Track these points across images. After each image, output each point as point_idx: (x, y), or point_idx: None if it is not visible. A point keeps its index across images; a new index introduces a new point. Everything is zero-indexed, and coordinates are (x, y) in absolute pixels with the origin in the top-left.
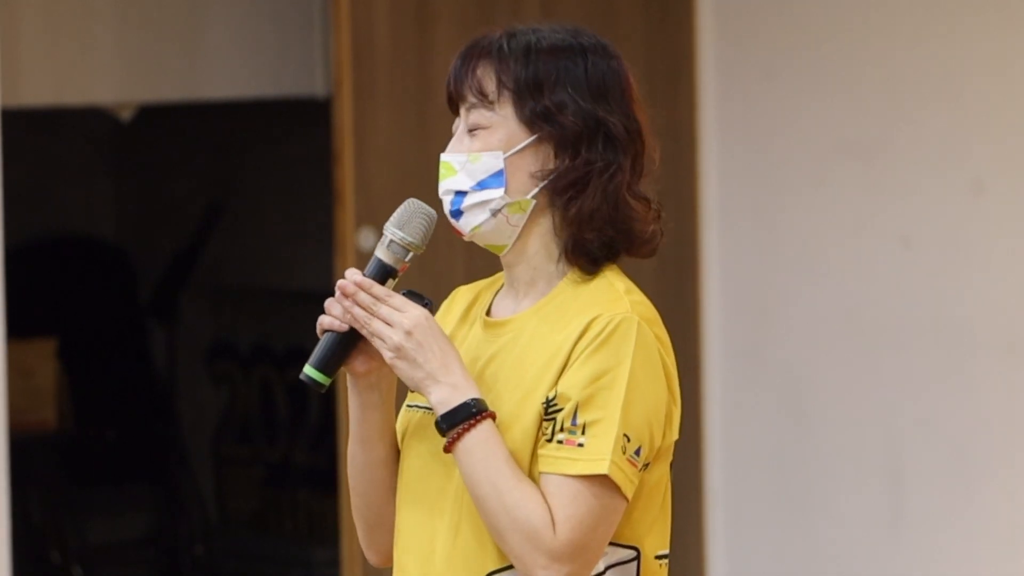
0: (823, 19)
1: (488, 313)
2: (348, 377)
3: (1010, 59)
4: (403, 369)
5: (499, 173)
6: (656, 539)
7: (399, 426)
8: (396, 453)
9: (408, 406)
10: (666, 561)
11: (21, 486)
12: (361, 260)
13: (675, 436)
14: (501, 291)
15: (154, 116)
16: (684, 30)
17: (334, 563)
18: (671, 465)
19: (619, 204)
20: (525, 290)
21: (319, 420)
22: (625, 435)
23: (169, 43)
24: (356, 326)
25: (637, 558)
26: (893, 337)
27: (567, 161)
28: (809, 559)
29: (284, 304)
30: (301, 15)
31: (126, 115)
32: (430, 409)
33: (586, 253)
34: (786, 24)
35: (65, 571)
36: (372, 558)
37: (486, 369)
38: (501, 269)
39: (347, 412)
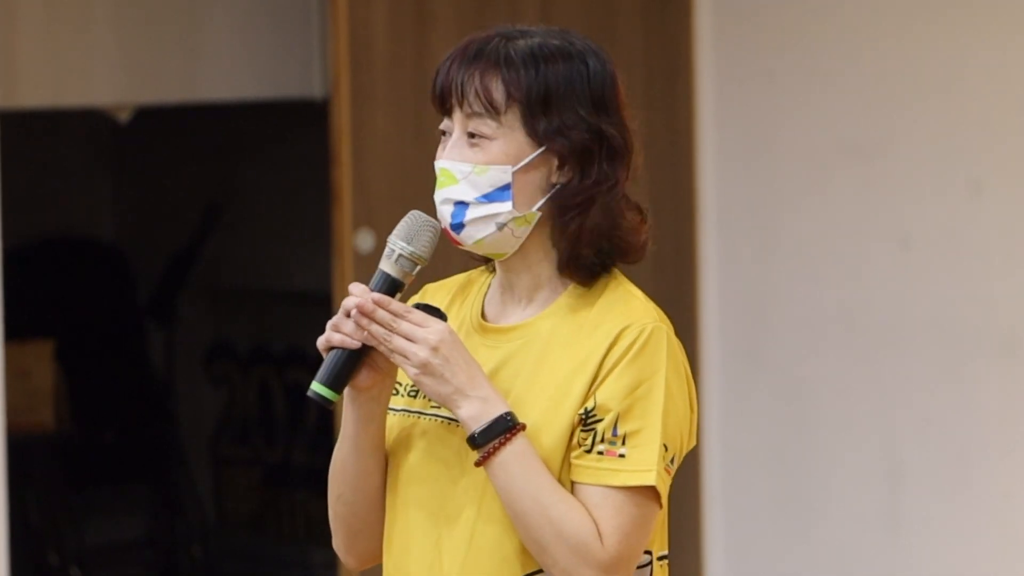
0: (822, 19)
1: (483, 317)
2: (348, 391)
3: (1010, 59)
4: (429, 385)
5: (506, 187)
6: (660, 541)
7: (387, 431)
8: (386, 461)
9: (392, 410)
10: (667, 562)
11: (19, 487)
12: (359, 261)
13: (693, 442)
14: (492, 294)
15: (152, 117)
16: (683, 30)
17: (332, 565)
18: None
19: (616, 218)
20: (528, 296)
21: (317, 421)
22: (664, 445)
23: (167, 45)
24: (373, 343)
25: (651, 562)
26: (892, 337)
27: (573, 176)
28: (808, 559)
29: (282, 305)
30: (299, 17)
31: (124, 116)
32: (418, 413)
33: (583, 267)
34: (785, 24)
35: (63, 572)
36: (351, 562)
37: (497, 375)
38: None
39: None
